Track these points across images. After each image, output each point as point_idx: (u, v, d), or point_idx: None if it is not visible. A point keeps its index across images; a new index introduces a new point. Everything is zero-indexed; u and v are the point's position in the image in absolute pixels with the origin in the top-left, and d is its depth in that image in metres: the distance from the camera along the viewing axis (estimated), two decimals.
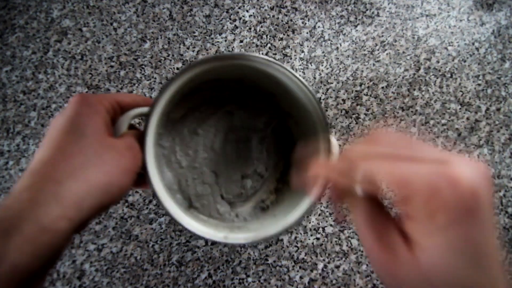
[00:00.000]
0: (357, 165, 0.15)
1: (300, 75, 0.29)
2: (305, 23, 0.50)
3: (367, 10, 0.50)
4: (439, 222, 0.13)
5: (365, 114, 0.48)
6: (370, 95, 0.49)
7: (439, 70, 0.50)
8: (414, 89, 0.49)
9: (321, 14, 0.50)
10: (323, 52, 0.49)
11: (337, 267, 0.45)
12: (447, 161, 0.13)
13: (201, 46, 0.49)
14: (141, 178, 0.24)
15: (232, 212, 0.35)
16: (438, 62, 0.50)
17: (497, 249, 0.13)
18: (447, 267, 0.13)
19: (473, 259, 0.13)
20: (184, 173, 0.34)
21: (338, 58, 0.49)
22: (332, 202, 0.19)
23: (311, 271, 0.45)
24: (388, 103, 0.49)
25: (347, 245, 0.46)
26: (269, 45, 0.49)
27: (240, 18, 0.49)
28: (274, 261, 0.45)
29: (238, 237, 0.28)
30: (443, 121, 0.49)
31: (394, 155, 0.14)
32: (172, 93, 0.26)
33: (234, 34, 0.49)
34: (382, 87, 0.49)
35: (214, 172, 0.35)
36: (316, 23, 0.50)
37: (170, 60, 0.48)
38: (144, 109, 0.25)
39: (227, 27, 0.49)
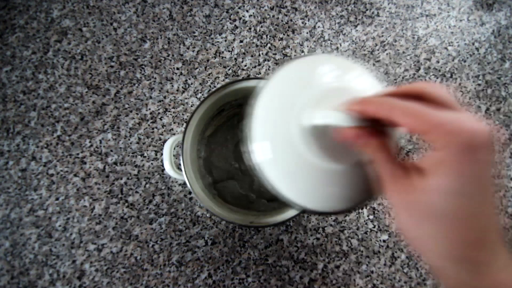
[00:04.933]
0: (392, 102, 0.18)
1: None
2: (305, 23, 0.50)
3: (367, 10, 0.50)
4: (450, 151, 0.16)
5: None
6: None
7: (439, 70, 0.50)
8: None
9: (321, 14, 0.50)
10: (323, 52, 0.49)
11: (337, 267, 0.45)
12: (461, 112, 0.17)
13: (201, 46, 0.49)
14: None
15: (260, 202, 0.41)
16: (438, 62, 0.50)
17: (491, 184, 0.16)
18: (449, 188, 0.16)
19: (472, 184, 0.16)
20: (221, 175, 0.42)
21: None
22: (348, 141, 0.20)
23: (311, 271, 0.45)
24: None
25: (347, 245, 0.46)
26: (269, 45, 0.49)
27: (240, 18, 0.49)
28: (274, 261, 0.45)
29: (261, 221, 0.35)
30: None
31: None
32: (196, 121, 0.34)
33: (234, 34, 0.49)
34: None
35: (244, 173, 0.43)
36: (316, 23, 0.50)
37: (170, 60, 0.48)
38: (179, 136, 0.34)
39: (227, 27, 0.49)
